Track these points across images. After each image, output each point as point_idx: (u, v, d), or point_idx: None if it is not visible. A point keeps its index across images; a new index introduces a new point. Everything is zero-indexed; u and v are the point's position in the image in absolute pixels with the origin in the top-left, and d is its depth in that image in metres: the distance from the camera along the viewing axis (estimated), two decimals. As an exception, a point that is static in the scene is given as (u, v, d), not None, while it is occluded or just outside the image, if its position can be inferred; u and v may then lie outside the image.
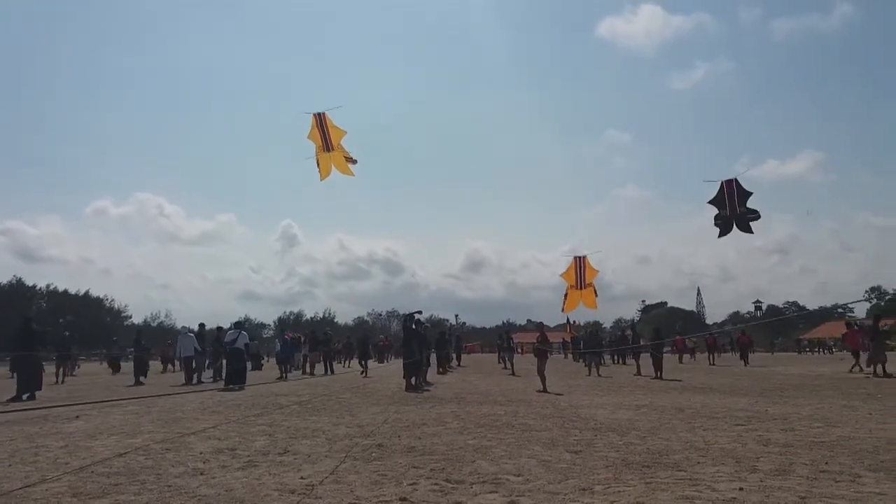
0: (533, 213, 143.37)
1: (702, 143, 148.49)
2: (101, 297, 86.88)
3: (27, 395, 14.08)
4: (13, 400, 13.68)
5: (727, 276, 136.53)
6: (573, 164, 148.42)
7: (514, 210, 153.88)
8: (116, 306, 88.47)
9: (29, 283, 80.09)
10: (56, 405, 12.16)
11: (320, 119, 13.14)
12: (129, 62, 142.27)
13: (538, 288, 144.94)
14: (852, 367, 20.85)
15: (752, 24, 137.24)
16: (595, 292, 17.43)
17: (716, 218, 12.60)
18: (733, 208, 12.39)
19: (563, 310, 18.46)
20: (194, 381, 19.59)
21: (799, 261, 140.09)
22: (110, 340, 45.71)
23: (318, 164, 13.35)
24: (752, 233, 12.62)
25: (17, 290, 76.71)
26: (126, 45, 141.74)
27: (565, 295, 17.63)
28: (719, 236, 12.68)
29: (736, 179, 12.42)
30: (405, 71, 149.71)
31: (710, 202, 12.66)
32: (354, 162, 13.42)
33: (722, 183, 12.48)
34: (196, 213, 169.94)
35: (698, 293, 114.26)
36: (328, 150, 13.19)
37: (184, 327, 22.87)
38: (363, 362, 24.44)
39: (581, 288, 17.07)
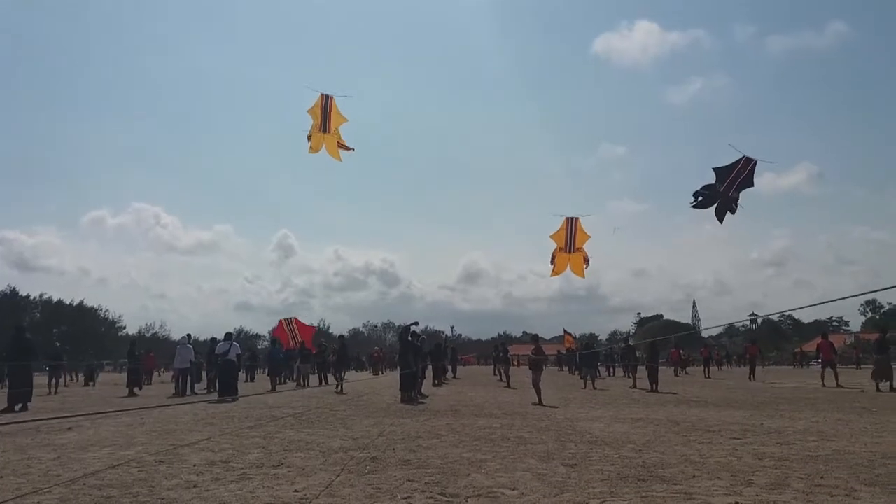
0: (529, 225, 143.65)
1: (697, 156, 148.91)
2: (96, 307, 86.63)
3: (20, 406, 13.99)
4: (5, 411, 13.60)
5: (723, 290, 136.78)
6: (569, 177, 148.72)
7: (511, 222, 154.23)
8: (111, 317, 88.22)
9: (23, 292, 79.87)
10: (49, 417, 12.07)
11: (326, 101, 13.14)
12: (127, 73, 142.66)
13: (534, 300, 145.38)
14: (826, 381, 20.88)
15: (746, 41, 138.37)
16: (586, 260, 16.31)
17: (704, 187, 12.18)
18: (728, 188, 11.97)
19: (551, 274, 17.05)
20: (188, 392, 19.51)
21: (794, 274, 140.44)
22: (114, 352, 45.69)
23: (309, 139, 13.43)
24: (721, 222, 12.32)
25: (11, 300, 76.39)
26: (124, 56, 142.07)
27: (553, 258, 16.49)
28: (693, 205, 12.32)
29: (756, 163, 11.94)
30: (403, 83, 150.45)
31: (715, 168, 12.18)
32: (349, 150, 13.52)
33: (743, 157, 11.95)
34: (193, 224, 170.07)
35: (693, 306, 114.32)
36: (324, 132, 13.26)
37: (183, 338, 22.82)
38: (339, 375, 21.50)
39: (570, 252, 16.10)
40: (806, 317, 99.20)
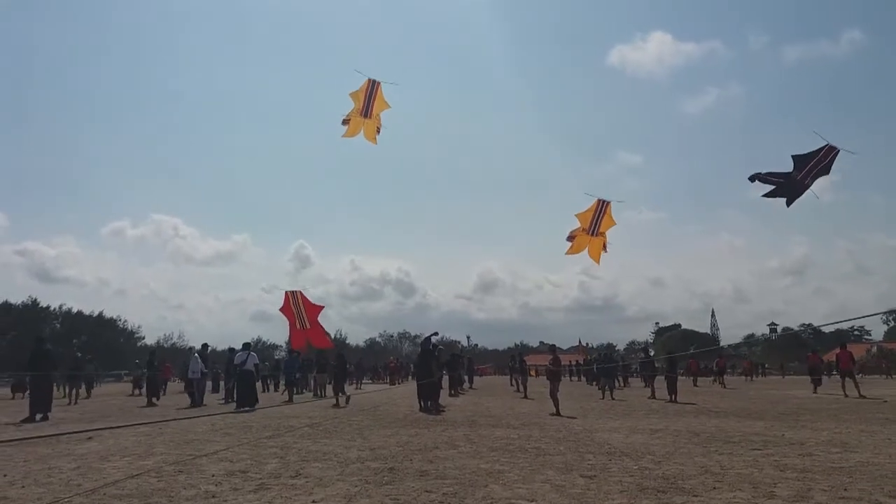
0: (545, 234, 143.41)
1: (714, 164, 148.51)
2: (115, 317, 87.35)
3: (40, 415, 14.13)
4: (26, 420, 13.74)
5: (741, 298, 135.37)
6: (585, 186, 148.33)
7: (526, 231, 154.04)
8: (129, 327, 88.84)
9: (44, 303, 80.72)
10: (70, 431, 12.18)
11: (372, 86, 13.21)
12: (148, 86, 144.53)
13: (551, 310, 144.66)
14: (847, 392, 20.59)
15: (761, 51, 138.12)
16: (605, 247, 15.68)
17: (771, 174, 11.83)
18: (806, 175, 11.60)
19: (566, 251, 16.21)
20: (198, 402, 19.57)
21: (814, 282, 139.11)
22: (132, 362, 46.15)
23: (347, 122, 13.50)
24: (788, 206, 11.91)
25: (32, 311, 77.26)
26: (144, 69, 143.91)
27: (573, 237, 15.82)
28: (765, 195, 12.00)
29: (838, 151, 11.56)
30: (418, 93, 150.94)
31: (794, 155, 11.82)
32: (379, 132, 13.67)
33: (826, 145, 11.61)
34: (211, 234, 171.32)
35: (712, 315, 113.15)
36: (365, 116, 13.31)
37: (193, 348, 22.98)
38: (338, 390, 19.79)
39: (593, 234, 15.49)
40: (826, 326, 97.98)
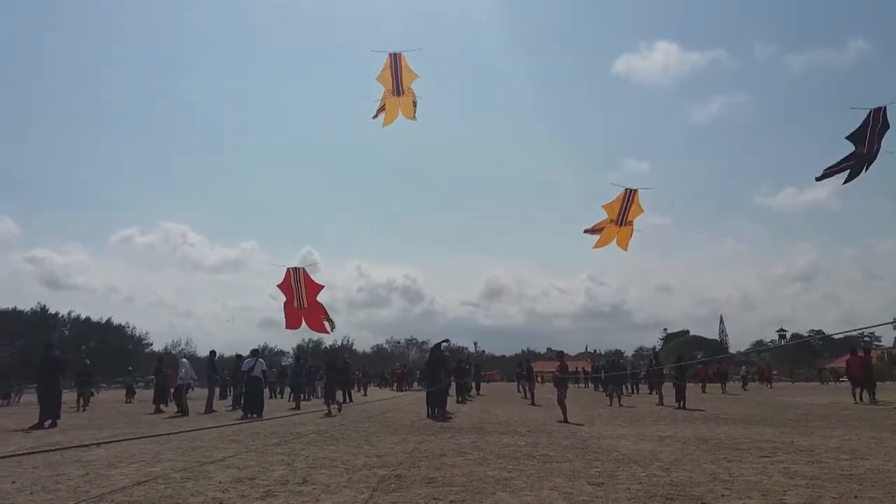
0: (551, 240, 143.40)
1: (720, 171, 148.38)
2: (123, 324, 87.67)
3: (49, 422, 14.19)
4: (35, 427, 13.80)
5: (749, 305, 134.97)
6: (592, 192, 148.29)
7: (533, 238, 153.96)
8: (137, 334, 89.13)
9: (52, 310, 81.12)
10: (79, 445, 12.22)
11: (395, 60, 12.69)
12: (156, 94, 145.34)
13: (558, 316, 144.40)
14: (858, 398, 20.40)
15: (766, 60, 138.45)
16: (632, 232, 15.29)
17: (847, 159, 11.49)
18: (871, 144, 11.28)
19: (595, 246, 15.69)
20: (206, 409, 19.58)
21: (822, 289, 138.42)
22: (125, 370, 46.13)
23: (383, 110, 13.01)
24: (865, 171, 11.60)
25: (41, 318, 77.66)
26: (152, 78, 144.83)
27: (600, 228, 15.36)
28: (846, 181, 11.64)
29: (885, 108, 11.25)
30: (426, 100, 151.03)
31: (848, 137, 11.55)
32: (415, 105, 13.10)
33: (871, 111, 11.31)
34: (220, 241, 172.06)
35: (721, 322, 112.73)
36: (398, 94, 12.85)
37: (181, 351, 22.84)
38: (331, 397, 18.58)
39: (621, 224, 15.10)
40: (836, 332, 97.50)
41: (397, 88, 12.75)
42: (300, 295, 18.00)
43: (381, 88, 13.10)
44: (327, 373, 19.94)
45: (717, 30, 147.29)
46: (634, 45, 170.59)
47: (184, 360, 20.63)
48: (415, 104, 12.98)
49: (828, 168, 11.94)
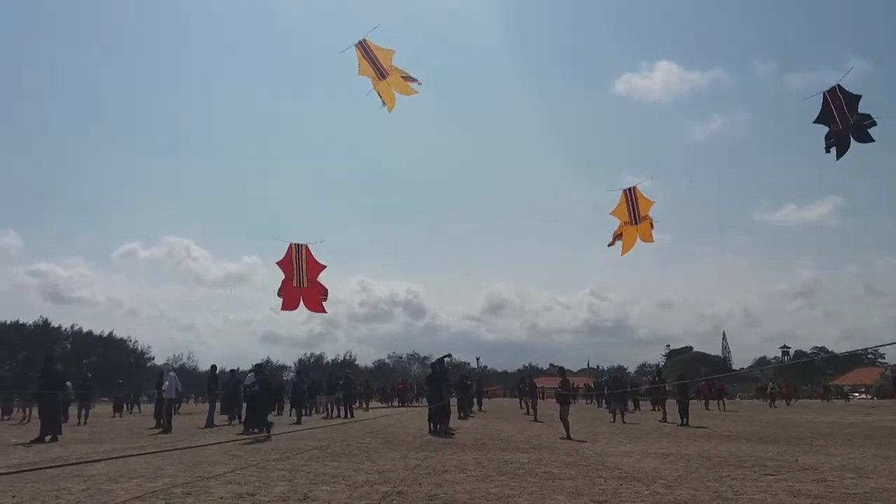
0: (553, 255, 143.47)
1: (721, 188, 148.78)
2: (125, 338, 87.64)
3: (49, 436, 14.13)
4: (36, 441, 13.75)
5: (751, 321, 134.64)
6: (593, 208, 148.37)
7: (535, 253, 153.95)
8: (139, 348, 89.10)
9: (55, 323, 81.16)
10: (79, 461, 12.18)
11: (364, 48, 12.32)
12: (159, 109, 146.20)
13: (560, 331, 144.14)
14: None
15: (766, 79, 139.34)
16: (651, 224, 14.87)
17: (827, 138, 11.07)
18: (845, 118, 10.91)
19: (621, 253, 15.15)
20: (206, 424, 19.48)
21: (823, 305, 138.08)
22: (115, 383, 45.94)
23: (381, 98, 12.92)
24: (872, 140, 10.94)
25: (43, 331, 77.72)
26: (156, 92, 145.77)
27: (618, 235, 15.06)
28: (838, 157, 11.05)
29: (838, 85, 10.87)
30: (428, 116, 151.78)
31: (815, 121, 11.14)
32: (415, 80, 12.93)
33: (824, 94, 10.95)
34: (223, 256, 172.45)
35: (724, 338, 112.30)
36: (384, 78, 12.76)
37: (166, 365, 22.39)
38: (300, 412, 17.97)
39: (636, 223, 14.79)
40: (840, 349, 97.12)
41: (380, 73, 12.64)
42: (300, 273, 16.71)
43: (369, 83, 13.01)
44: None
45: (717, 49, 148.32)
46: (636, 64, 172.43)
47: (171, 373, 19.88)
48: (406, 78, 12.83)
49: (828, 142, 11.69)
